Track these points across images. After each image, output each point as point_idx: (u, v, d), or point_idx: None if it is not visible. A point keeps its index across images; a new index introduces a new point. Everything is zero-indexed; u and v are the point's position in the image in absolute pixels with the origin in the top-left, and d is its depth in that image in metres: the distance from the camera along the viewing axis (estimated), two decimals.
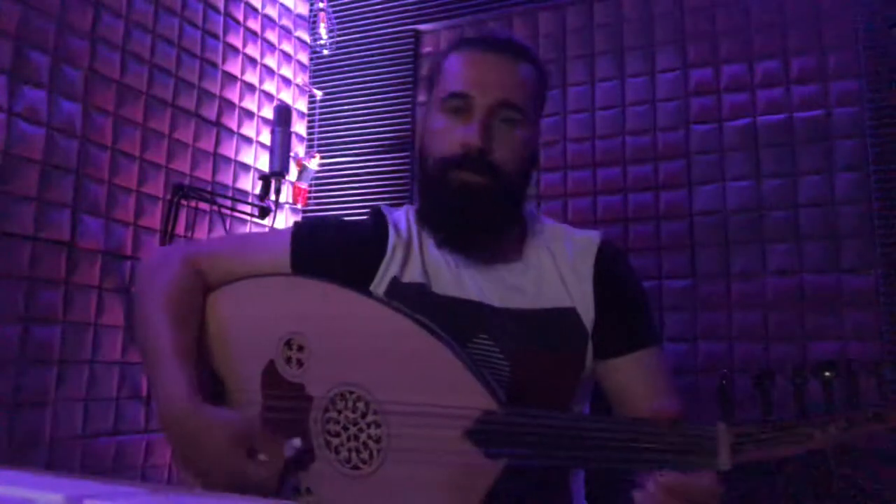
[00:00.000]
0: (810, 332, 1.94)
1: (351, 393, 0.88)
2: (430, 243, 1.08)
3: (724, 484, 0.74)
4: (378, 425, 0.86)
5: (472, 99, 1.00)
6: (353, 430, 0.88)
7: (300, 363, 0.92)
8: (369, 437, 0.87)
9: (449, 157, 1.00)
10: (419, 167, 1.09)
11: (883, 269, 1.89)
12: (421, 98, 2.52)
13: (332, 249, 1.05)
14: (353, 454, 0.87)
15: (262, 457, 0.85)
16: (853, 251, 1.94)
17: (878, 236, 1.91)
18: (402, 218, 1.11)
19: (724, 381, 0.80)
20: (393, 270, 1.04)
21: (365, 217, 1.13)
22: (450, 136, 1.00)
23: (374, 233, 1.08)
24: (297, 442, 0.88)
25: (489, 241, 1.04)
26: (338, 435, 0.88)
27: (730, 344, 2.02)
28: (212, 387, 0.98)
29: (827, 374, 0.72)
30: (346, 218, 1.22)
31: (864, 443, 0.71)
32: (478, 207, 0.99)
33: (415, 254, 1.06)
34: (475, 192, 0.99)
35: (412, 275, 1.04)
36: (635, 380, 1.02)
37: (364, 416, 0.87)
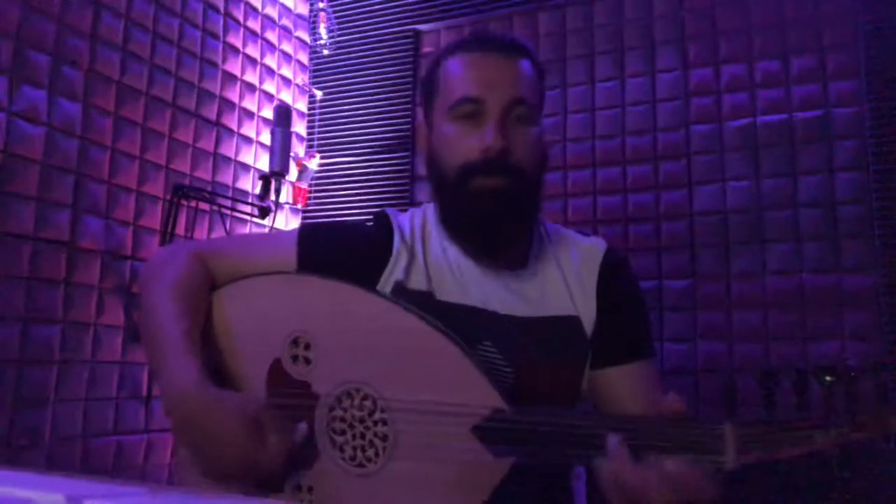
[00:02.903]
0: (810, 332, 1.94)
1: (358, 391, 0.88)
2: (433, 248, 1.07)
3: (726, 484, 0.73)
4: (385, 423, 0.86)
5: (483, 102, 0.98)
6: (359, 427, 0.87)
7: (307, 361, 0.92)
8: (375, 434, 0.86)
9: (468, 163, 0.98)
10: (433, 177, 1.06)
11: (883, 269, 1.90)
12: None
13: (338, 252, 1.05)
14: (359, 452, 0.87)
15: (271, 438, 0.83)
16: (853, 251, 1.94)
17: (878, 236, 1.92)
18: (407, 222, 1.10)
19: (729, 383, 0.81)
20: (396, 275, 1.03)
21: (371, 220, 1.13)
22: (466, 143, 0.99)
23: (379, 237, 1.07)
24: (304, 427, 0.88)
25: (513, 244, 1.04)
26: (343, 433, 0.88)
27: (730, 344, 2.02)
28: (216, 384, 0.98)
29: (828, 378, 0.72)
30: (352, 220, 1.22)
31: (866, 445, 0.71)
32: (505, 210, 0.98)
33: (419, 259, 1.05)
34: (500, 195, 0.97)
35: (416, 281, 1.03)
36: (626, 391, 1.01)
37: (371, 413, 0.87)
